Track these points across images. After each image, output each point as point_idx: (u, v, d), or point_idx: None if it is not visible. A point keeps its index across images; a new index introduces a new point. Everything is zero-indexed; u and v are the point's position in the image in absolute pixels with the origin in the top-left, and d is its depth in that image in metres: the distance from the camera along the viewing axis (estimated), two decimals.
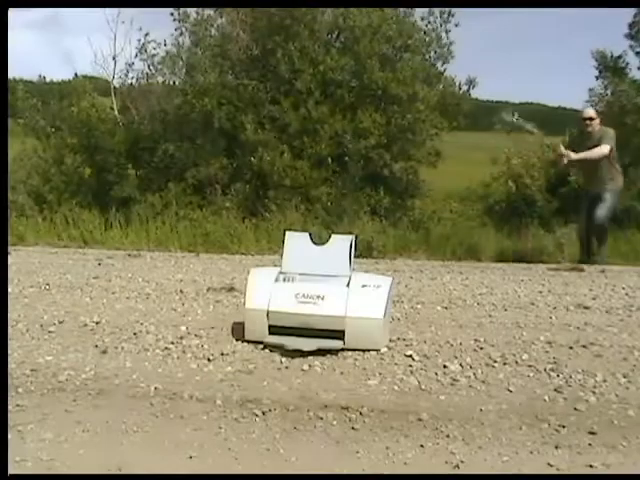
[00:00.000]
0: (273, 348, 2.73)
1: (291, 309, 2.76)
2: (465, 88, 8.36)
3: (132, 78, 8.74)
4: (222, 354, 2.69)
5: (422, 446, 1.95)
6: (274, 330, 2.77)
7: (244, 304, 2.88)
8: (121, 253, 5.50)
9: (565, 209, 6.84)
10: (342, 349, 2.70)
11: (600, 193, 5.63)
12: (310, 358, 2.62)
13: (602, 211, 5.52)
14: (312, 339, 2.70)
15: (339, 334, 2.71)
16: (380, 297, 2.78)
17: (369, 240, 5.51)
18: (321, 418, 2.12)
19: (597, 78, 8.43)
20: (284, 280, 2.93)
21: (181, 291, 3.89)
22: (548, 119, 13.13)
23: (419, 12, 8.15)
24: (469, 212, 8.06)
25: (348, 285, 2.84)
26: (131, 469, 1.80)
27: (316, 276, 2.91)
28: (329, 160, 7.40)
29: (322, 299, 2.75)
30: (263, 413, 2.15)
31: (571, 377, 2.46)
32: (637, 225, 6.37)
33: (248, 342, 2.82)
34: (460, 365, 2.58)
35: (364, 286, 2.83)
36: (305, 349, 2.65)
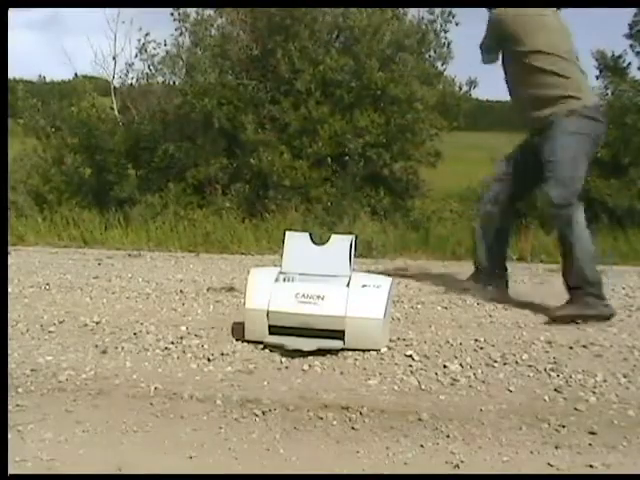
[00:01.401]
0: (273, 348, 2.73)
1: (291, 309, 2.75)
2: (465, 88, 8.38)
3: (132, 78, 8.76)
4: (222, 354, 2.69)
5: (422, 446, 1.94)
6: (274, 330, 2.76)
7: (244, 304, 2.88)
8: (121, 253, 5.50)
9: None
10: (342, 349, 2.70)
11: (540, 139, 3.01)
12: (310, 358, 2.62)
13: (557, 188, 2.94)
14: (312, 339, 2.70)
15: (339, 334, 2.70)
16: (380, 297, 2.77)
17: (369, 240, 5.50)
18: (321, 418, 2.12)
19: (597, 78, 8.44)
20: (284, 280, 2.93)
21: (181, 291, 3.89)
22: None
23: (419, 12, 8.18)
24: (469, 212, 8.05)
25: (348, 285, 2.84)
26: (131, 469, 1.80)
27: (316, 276, 2.91)
28: (329, 160, 7.40)
29: (322, 299, 2.75)
30: (263, 413, 2.15)
31: (571, 377, 2.46)
32: (637, 225, 6.36)
33: (248, 342, 2.82)
34: (460, 365, 2.58)
35: (364, 286, 2.82)
36: (305, 349, 2.65)
